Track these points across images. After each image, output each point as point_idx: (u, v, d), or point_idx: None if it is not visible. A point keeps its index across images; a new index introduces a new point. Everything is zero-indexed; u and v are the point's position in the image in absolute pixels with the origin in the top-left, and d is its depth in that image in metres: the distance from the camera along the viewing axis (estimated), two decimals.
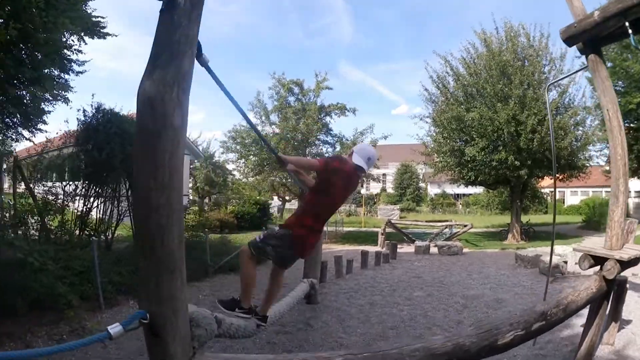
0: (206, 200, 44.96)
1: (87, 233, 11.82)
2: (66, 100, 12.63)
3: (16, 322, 6.99)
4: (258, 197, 36.26)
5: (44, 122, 12.84)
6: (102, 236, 12.29)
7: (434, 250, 20.55)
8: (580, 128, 23.67)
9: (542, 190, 51.93)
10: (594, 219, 31.32)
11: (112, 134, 11.50)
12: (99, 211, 12.32)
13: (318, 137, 28.64)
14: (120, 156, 11.34)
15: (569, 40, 6.15)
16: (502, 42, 23.48)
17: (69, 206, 11.97)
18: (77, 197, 12.04)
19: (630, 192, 35.39)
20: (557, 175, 25.92)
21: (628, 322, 7.80)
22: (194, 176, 43.94)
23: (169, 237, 2.82)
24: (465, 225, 26.27)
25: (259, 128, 28.86)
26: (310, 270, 9.92)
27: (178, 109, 2.81)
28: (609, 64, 25.52)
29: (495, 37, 23.79)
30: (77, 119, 12.24)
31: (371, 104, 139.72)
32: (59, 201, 11.66)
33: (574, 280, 12.32)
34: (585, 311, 6.46)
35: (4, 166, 12.40)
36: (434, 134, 26.58)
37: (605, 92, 5.98)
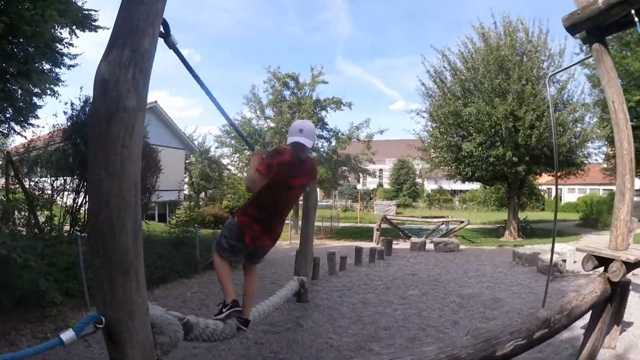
0: (202, 195, 44.87)
1: (77, 229, 11.52)
2: (54, 93, 12.32)
3: (1, 319, 6.79)
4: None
5: (36, 117, 12.59)
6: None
7: (430, 246, 20.29)
8: (579, 125, 23.47)
9: (540, 187, 51.84)
10: (591, 216, 31.21)
11: None
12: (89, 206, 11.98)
13: None
14: None
15: (572, 28, 5.86)
16: (500, 37, 23.19)
17: (56, 201, 11.68)
18: (66, 192, 11.79)
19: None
20: (554, 172, 25.75)
21: (629, 324, 7.57)
22: (189, 171, 43.81)
23: (122, 233, 2.51)
24: (461, 222, 26.02)
25: (254, 122, 28.73)
26: (300, 268, 9.63)
27: (133, 91, 2.51)
28: None
29: (493, 31, 23.54)
30: (64, 112, 12.02)
31: (368, 100, 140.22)
32: (45, 196, 11.38)
33: (573, 279, 12.14)
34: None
35: None
36: (431, 129, 26.35)
37: (610, 83, 5.68)
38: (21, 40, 10.38)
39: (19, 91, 11.56)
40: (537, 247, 18.00)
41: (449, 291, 11.06)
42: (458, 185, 46.74)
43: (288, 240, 24.34)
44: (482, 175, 24.71)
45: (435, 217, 31.15)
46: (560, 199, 54.30)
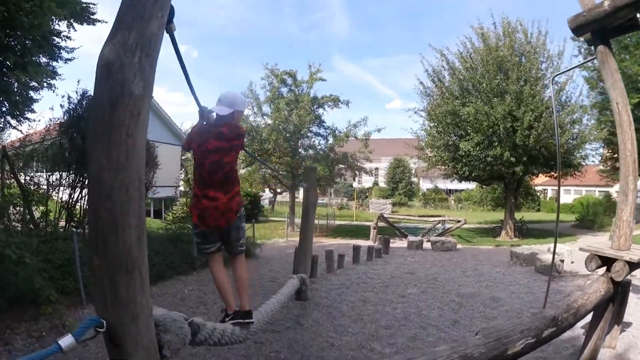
0: None
1: (73, 225, 11.44)
2: (51, 87, 12.24)
3: None
4: (249, 189, 35.86)
5: (32, 111, 12.48)
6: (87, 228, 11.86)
7: (427, 245, 20.30)
8: (577, 126, 23.38)
9: (536, 188, 51.91)
10: (587, 217, 31.20)
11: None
12: (85, 202, 11.86)
13: (310, 128, 28.33)
14: None
15: (578, 29, 5.85)
16: (499, 37, 23.14)
17: (52, 197, 11.58)
18: (62, 188, 11.64)
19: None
20: (551, 173, 25.84)
21: (628, 324, 7.56)
22: (184, 167, 43.62)
23: (125, 230, 2.32)
24: (458, 221, 25.97)
25: (251, 119, 28.65)
26: (300, 265, 9.59)
27: (139, 76, 2.34)
28: None
29: (492, 32, 23.48)
30: (61, 105, 11.83)
31: (365, 98, 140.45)
32: (41, 191, 11.26)
33: (571, 279, 12.15)
34: None
35: None
36: (429, 128, 26.27)
37: (615, 85, 5.67)
38: (18, 32, 10.28)
39: (15, 84, 11.48)
40: (534, 247, 17.98)
41: (448, 290, 11.03)
42: (454, 185, 46.79)
43: (284, 238, 24.30)
44: (479, 174, 24.67)
45: (432, 216, 31.12)
46: (555, 200, 54.34)
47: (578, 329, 6.58)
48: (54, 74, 12.29)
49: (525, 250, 15.83)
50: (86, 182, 11.45)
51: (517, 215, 28.16)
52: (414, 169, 62.70)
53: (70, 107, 11.77)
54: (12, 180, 11.13)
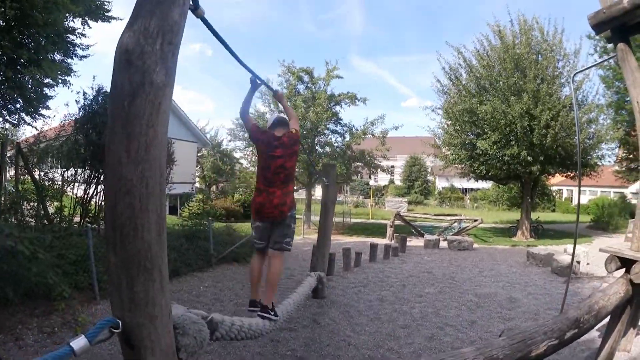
0: (213, 188, 44.87)
1: (88, 221, 11.50)
2: (65, 83, 12.32)
3: (7, 312, 6.67)
4: None
5: (46, 107, 12.56)
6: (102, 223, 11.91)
7: (443, 244, 20.31)
8: (594, 125, 23.12)
9: (551, 188, 51.54)
10: (602, 219, 30.88)
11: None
12: (100, 198, 11.93)
13: (327, 126, 28.29)
14: None
15: (597, 26, 5.78)
16: (515, 35, 22.95)
17: (66, 192, 11.64)
18: (77, 184, 11.71)
19: (637, 193, 35.07)
20: (568, 173, 25.63)
21: None
22: (201, 164, 43.83)
23: (145, 226, 2.23)
24: (475, 220, 25.86)
25: (267, 116, 28.65)
26: (318, 263, 9.57)
27: (161, 64, 2.26)
28: None
29: (509, 29, 23.29)
30: (76, 101, 11.81)
31: (381, 96, 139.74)
32: (55, 187, 11.31)
33: (587, 281, 12.06)
34: None
35: (7, 153, 12.09)
36: (446, 126, 26.18)
37: (635, 83, 5.57)
38: (32, 30, 10.33)
39: (30, 81, 11.56)
40: (550, 247, 17.89)
41: (465, 290, 10.98)
42: (469, 184, 46.50)
43: (301, 235, 24.25)
44: (496, 173, 24.47)
45: (448, 215, 31.01)
46: (571, 200, 53.94)
47: (593, 332, 6.51)
48: (69, 70, 12.40)
49: (542, 250, 15.75)
50: (101, 178, 11.58)
51: (533, 216, 27.94)
52: (430, 167, 62.45)
53: (86, 103, 11.78)
54: (27, 176, 11.17)
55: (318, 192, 32.99)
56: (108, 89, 11.75)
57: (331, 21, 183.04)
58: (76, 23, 11.99)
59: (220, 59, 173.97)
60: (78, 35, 12.17)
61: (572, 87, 11.69)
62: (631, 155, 30.04)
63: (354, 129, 29.13)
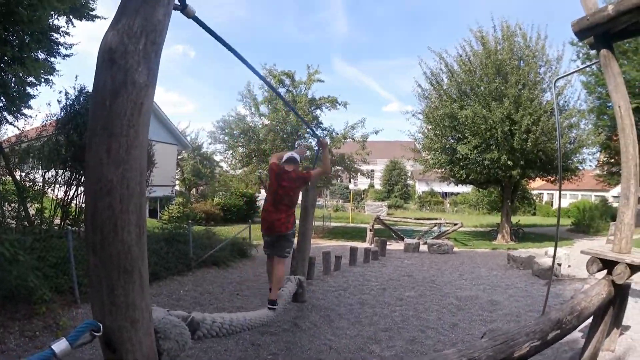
0: (193, 191, 44.75)
1: (68, 223, 11.34)
2: (48, 82, 12.16)
3: None
4: (245, 190, 35.79)
5: (29, 107, 12.37)
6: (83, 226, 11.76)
7: (423, 248, 20.29)
8: (575, 130, 23.33)
9: (532, 192, 51.91)
10: (583, 222, 31.24)
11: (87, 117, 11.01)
12: (80, 199, 11.78)
13: (307, 130, 28.26)
14: None
15: (581, 33, 5.85)
16: (498, 41, 23.14)
17: (47, 194, 11.47)
18: (58, 185, 11.54)
19: (618, 196, 35.27)
20: (548, 177, 25.83)
21: (627, 327, 7.52)
22: (181, 167, 43.66)
23: (125, 227, 2.20)
24: (455, 224, 25.99)
25: (248, 119, 28.65)
26: (298, 267, 9.49)
27: (144, 63, 2.24)
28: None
29: (492, 35, 23.49)
30: (58, 101, 11.69)
31: (362, 101, 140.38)
32: (36, 188, 11.16)
33: (569, 283, 12.14)
34: None
35: None
36: (426, 131, 26.23)
37: (617, 88, 5.65)
38: (17, 27, 10.18)
39: (13, 79, 11.40)
40: (531, 250, 18.10)
41: (446, 293, 10.96)
42: (449, 188, 46.81)
43: None
44: (476, 178, 24.61)
45: (428, 219, 31.12)
46: (551, 204, 54.46)
47: (576, 333, 6.52)
48: (51, 69, 12.22)
49: (522, 253, 15.85)
50: (82, 180, 11.37)
51: (514, 219, 28.13)
52: (410, 171, 62.75)
53: (68, 103, 11.66)
54: (7, 176, 11.01)
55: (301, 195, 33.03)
56: (90, 89, 11.73)
57: (315, 25, 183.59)
58: (60, 21, 11.86)
59: (202, 61, 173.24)
60: (62, 34, 12.02)
61: (553, 93, 11.78)
62: (612, 160, 30.27)
63: (334, 133, 29.13)
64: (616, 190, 36.34)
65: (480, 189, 41.19)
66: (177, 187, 42.71)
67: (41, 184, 11.30)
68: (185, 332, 3.02)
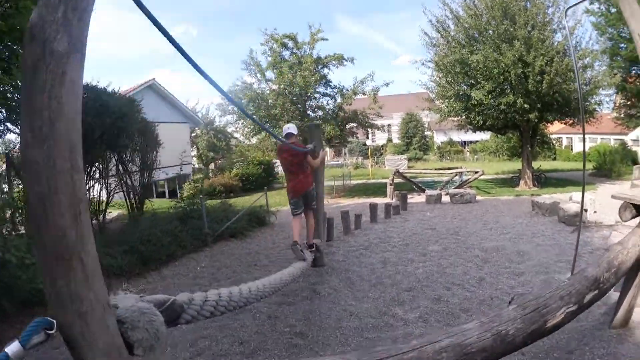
0: (211, 166, 44.63)
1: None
2: None
3: (6, 324, 6.49)
4: (261, 157, 35.46)
5: None
6: (93, 219, 11.71)
7: (445, 199, 19.92)
8: (590, 71, 22.65)
9: (551, 136, 51.11)
10: (605, 166, 30.43)
11: (88, 107, 11.00)
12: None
13: (317, 89, 27.87)
14: (99, 130, 11.07)
15: None
16: None
17: None
18: None
19: (638, 141, 35.37)
20: (567, 119, 25.25)
21: None
22: (195, 144, 43.52)
23: (56, 209, 1.89)
24: (476, 172, 25.40)
25: (255, 86, 28.29)
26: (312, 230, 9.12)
27: (63, 31, 1.90)
28: (613, 10, 25.04)
29: None
30: None
31: (371, 56, 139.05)
32: None
33: (596, 230, 11.73)
34: None
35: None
36: (438, 79, 25.65)
37: (634, 15, 5.10)
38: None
39: (10, 89, 11.23)
40: (555, 196, 17.59)
41: (471, 245, 10.62)
42: (468, 136, 46.22)
43: None
44: (493, 123, 24.10)
45: (449, 169, 30.70)
46: (571, 148, 53.50)
47: None
48: None
49: (547, 199, 15.34)
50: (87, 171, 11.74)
51: (534, 165, 27.62)
52: (427, 122, 61.97)
53: None
54: (20, 185, 11.12)
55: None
56: (84, 81, 11.59)
57: None
58: None
59: (206, 38, 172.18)
60: None
61: (566, 24, 11.26)
62: (629, 102, 29.81)
63: (344, 90, 28.53)
64: (635, 134, 35.73)
65: (499, 135, 40.59)
66: (196, 165, 42.63)
67: None
68: (155, 318, 2.59)
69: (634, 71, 27.39)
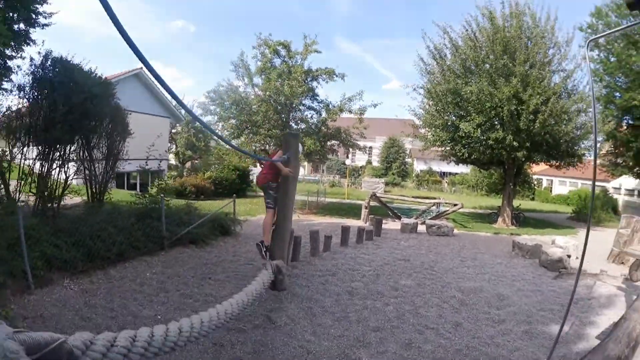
0: (187, 165, 44.10)
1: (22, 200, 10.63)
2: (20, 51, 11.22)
3: None
4: (237, 163, 34.62)
5: (9, 81, 11.42)
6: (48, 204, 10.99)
7: (422, 228, 19.24)
8: (583, 115, 22.42)
9: (533, 176, 51.32)
10: (584, 210, 30.56)
11: (56, 83, 10.46)
12: (38, 173, 11.08)
13: (303, 101, 27.31)
14: (63, 108, 10.31)
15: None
16: (506, 18, 22.27)
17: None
18: (23, 158, 10.94)
19: (620, 189, 36.71)
20: (553, 162, 25.18)
21: None
22: (175, 141, 42.89)
23: None
24: (455, 204, 24.95)
25: (241, 89, 27.81)
26: (276, 250, 8.26)
27: None
28: (612, 59, 25.88)
29: (500, 11, 22.56)
30: (18, 67, 11.02)
31: (362, 78, 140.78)
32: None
33: (580, 278, 10.98)
34: (601, 320, 7.27)
35: None
36: (427, 106, 25.25)
37: None
38: None
39: None
40: (536, 237, 17.35)
41: (447, 283, 9.93)
42: (448, 168, 46.22)
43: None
44: (478, 157, 23.76)
45: (426, 198, 30.27)
46: (550, 190, 53.82)
47: (593, 340, 6.19)
48: (30, 41, 11.30)
49: (528, 241, 14.73)
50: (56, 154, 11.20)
51: (514, 203, 27.22)
52: (409, 149, 62.19)
53: (33, 70, 10.84)
54: None
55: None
56: (56, 54, 10.77)
57: (317, 1, 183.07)
58: None
59: (202, 37, 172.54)
60: (41, 2, 10.95)
61: (586, 55, 10.78)
62: (617, 150, 29.86)
63: (330, 105, 28.08)
64: (618, 182, 36.17)
65: (481, 170, 40.49)
66: (172, 161, 41.90)
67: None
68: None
69: (625, 121, 27.31)
